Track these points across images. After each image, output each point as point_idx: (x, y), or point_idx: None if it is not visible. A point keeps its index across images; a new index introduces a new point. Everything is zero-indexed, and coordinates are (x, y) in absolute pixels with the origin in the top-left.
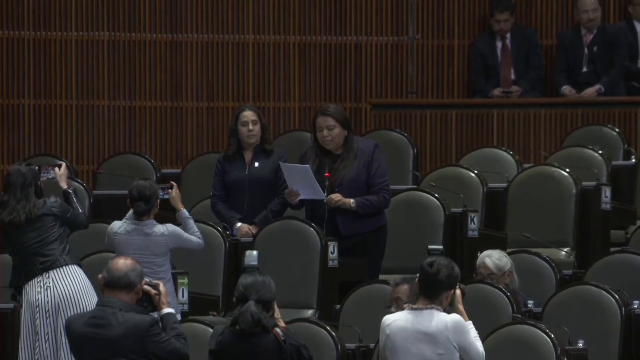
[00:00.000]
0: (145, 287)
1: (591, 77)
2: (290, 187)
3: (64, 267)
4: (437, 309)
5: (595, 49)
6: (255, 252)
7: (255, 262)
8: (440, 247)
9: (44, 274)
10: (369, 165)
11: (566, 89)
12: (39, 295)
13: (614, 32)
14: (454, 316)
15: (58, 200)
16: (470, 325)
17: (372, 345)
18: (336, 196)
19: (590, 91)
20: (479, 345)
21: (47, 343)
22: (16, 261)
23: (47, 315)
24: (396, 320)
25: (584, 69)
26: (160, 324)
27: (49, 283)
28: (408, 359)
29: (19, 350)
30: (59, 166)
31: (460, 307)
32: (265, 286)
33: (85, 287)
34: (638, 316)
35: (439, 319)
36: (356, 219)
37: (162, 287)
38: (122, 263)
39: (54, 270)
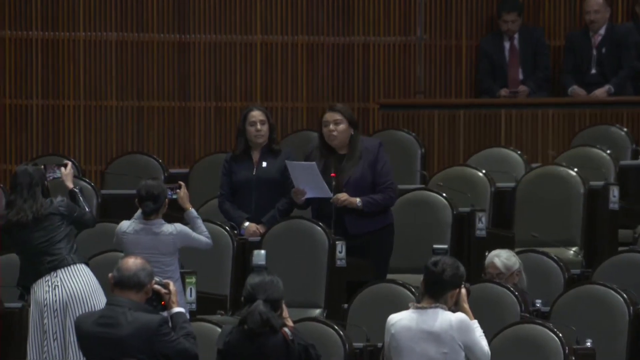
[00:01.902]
0: (156, 286)
1: (599, 78)
2: (296, 185)
3: (72, 266)
4: (442, 308)
5: (603, 50)
6: (263, 252)
7: (263, 262)
8: (445, 246)
9: (52, 273)
10: (374, 164)
11: (575, 89)
12: (47, 294)
13: (622, 32)
14: (459, 315)
15: (65, 199)
16: (475, 324)
17: (379, 345)
18: (342, 196)
19: (600, 92)
20: (484, 344)
21: (56, 342)
22: (23, 261)
23: (55, 314)
24: (401, 319)
25: (593, 71)
26: (169, 323)
27: (57, 282)
28: (413, 358)
29: (27, 350)
30: (65, 165)
31: (466, 306)
32: (273, 286)
33: (93, 285)
34: None
35: (444, 318)
36: (363, 218)
37: (172, 287)
38: (132, 262)
39: (62, 269)
